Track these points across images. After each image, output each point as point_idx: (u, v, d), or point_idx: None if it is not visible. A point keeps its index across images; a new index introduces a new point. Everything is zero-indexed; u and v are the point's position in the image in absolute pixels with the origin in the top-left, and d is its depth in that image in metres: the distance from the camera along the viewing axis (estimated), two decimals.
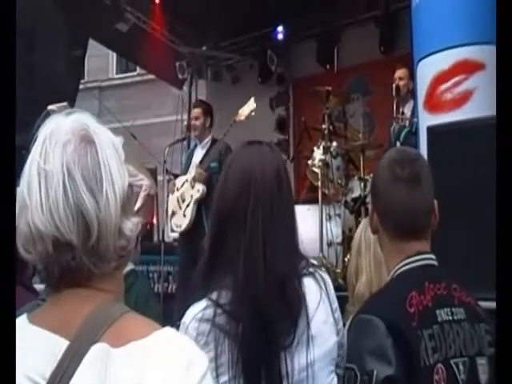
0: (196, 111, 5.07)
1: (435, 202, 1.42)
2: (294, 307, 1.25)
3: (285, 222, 1.34)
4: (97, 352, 0.79)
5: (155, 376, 0.78)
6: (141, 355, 0.79)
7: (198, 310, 1.26)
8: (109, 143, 0.89)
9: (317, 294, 1.31)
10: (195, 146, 5.21)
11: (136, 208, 6.09)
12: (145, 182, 6.21)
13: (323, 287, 1.32)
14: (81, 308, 0.84)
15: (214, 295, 1.26)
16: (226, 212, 1.34)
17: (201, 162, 4.79)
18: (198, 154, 4.99)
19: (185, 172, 5.01)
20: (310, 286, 1.31)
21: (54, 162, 0.83)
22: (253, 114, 4.51)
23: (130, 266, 2.77)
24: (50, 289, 0.88)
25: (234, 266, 1.27)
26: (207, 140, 4.96)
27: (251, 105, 4.54)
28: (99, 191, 0.84)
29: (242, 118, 4.57)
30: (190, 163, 4.97)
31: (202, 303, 1.27)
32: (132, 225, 0.88)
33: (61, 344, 0.80)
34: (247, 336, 1.21)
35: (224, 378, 1.21)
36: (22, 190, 0.84)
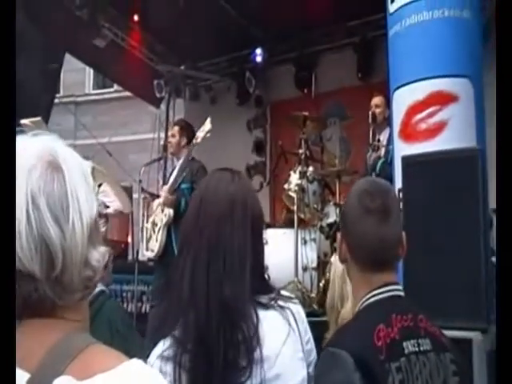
0: (174, 129, 5.07)
1: (403, 233, 1.43)
2: (245, 339, 1.21)
3: (236, 250, 1.28)
4: None
5: None
6: None
7: (161, 349, 1.23)
8: (78, 169, 0.85)
9: (283, 329, 1.27)
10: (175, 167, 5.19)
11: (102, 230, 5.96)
12: (115, 204, 6.04)
13: (292, 321, 1.29)
14: (44, 338, 0.80)
15: (176, 331, 1.24)
16: (184, 238, 1.34)
17: (171, 183, 4.74)
18: (173, 175, 4.97)
19: None
20: (275, 320, 1.27)
21: (18, 189, 0.79)
22: (208, 135, 4.43)
23: (98, 287, 2.71)
24: None
25: (183, 298, 1.25)
26: (182, 160, 4.94)
27: (207, 126, 4.45)
28: (65, 220, 0.80)
29: (199, 140, 4.49)
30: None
31: (165, 342, 1.24)
32: (99, 255, 0.85)
33: (21, 377, 0.76)
34: (198, 372, 1.18)
35: None
36: None
